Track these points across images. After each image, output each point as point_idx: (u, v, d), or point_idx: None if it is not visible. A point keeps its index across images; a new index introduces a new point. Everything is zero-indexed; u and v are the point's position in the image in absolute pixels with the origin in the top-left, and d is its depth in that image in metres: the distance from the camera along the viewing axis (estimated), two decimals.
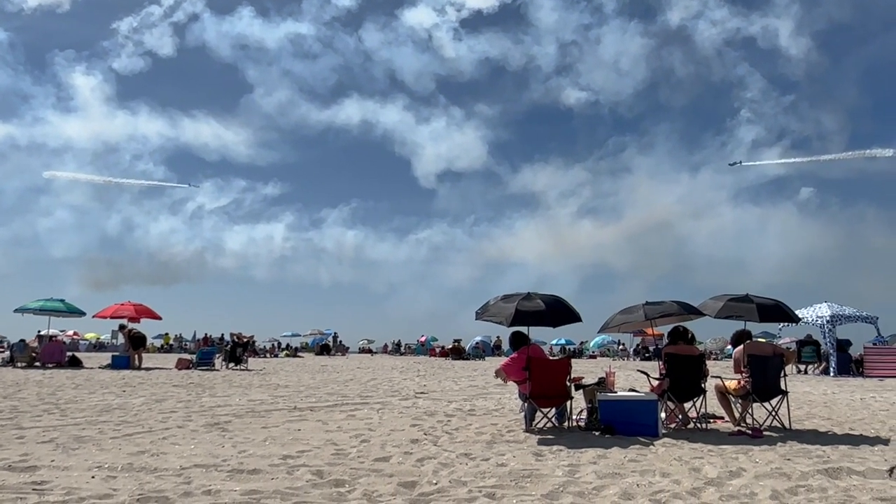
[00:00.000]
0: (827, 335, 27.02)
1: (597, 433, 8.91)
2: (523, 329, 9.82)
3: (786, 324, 21.85)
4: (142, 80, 62.15)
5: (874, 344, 27.65)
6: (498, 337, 51.06)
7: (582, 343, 53.66)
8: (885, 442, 8.60)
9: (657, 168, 53.70)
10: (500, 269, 66.23)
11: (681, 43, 55.00)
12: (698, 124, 69.74)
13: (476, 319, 10.20)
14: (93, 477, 6.04)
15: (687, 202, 58.27)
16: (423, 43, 57.18)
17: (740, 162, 52.14)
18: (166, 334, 54.36)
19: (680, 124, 62.72)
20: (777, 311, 10.34)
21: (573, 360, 10.57)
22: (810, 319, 27.34)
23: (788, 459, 7.21)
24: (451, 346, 44.07)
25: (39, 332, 32.08)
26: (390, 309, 70.11)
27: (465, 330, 49.15)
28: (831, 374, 26.23)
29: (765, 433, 9.16)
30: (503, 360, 11.13)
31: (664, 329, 11.02)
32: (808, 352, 28.66)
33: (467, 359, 40.85)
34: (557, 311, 9.90)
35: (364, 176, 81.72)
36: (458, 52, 56.83)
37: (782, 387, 9.80)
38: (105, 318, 29.21)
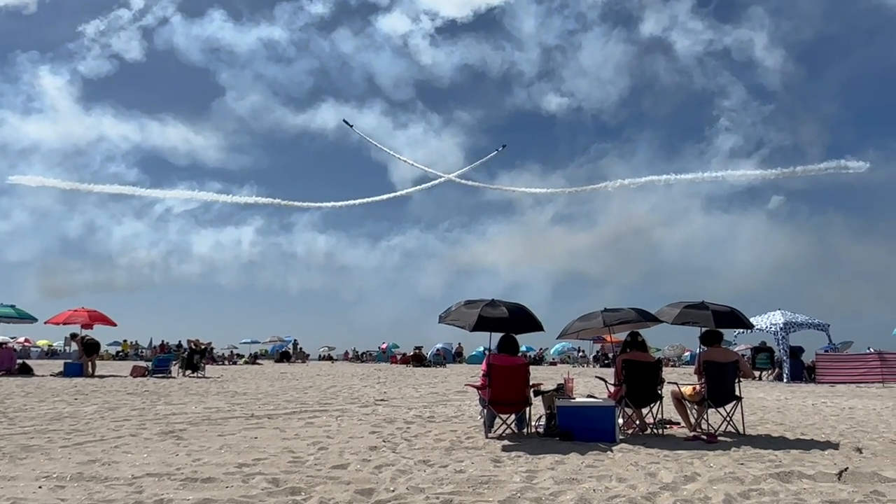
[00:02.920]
0: (780, 342, 27.64)
1: (556, 439, 8.96)
2: (489, 333, 9.81)
3: (741, 330, 22.31)
4: (109, 83, 60.85)
5: (826, 351, 28.33)
6: (459, 344, 51.14)
7: (542, 350, 53.99)
8: (835, 446, 8.80)
9: (634, 175, 54.47)
10: (471, 275, 66.33)
11: (662, 51, 56.12)
12: (679, 133, 71.05)
13: (439, 322, 10.20)
14: (40, 487, 5.87)
15: (661, 210, 59.28)
16: (400, 49, 57.25)
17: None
18: (125, 341, 53.19)
19: (662, 132, 63.94)
20: (732, 318, 10.53)
21: (533, 367, 10.61)
22: (764, 327, 27.94)
23: (742, 464, 7.34)
24: (412, 354, 43.95)
25: None
26: (357, 316, 69.54)
27: (428, 337, 49.07)
28: (784, 380, 26.82)
29: (719, 438, 9.31)
30: (464, 366, 11.12)
31: (623, 336, 11.13)
32: (763, 358, 29.28)
33: (428, 366, 40.75)
34: (520, 319, 9.93)
35: (339, 181, 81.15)
36: (436, 58, 57.07)
37: (737, 393, 9.99)
38: (58, 324, 28.48)
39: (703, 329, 10.29)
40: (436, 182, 56.97)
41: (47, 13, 58.08)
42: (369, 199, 58.52)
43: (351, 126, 55.42)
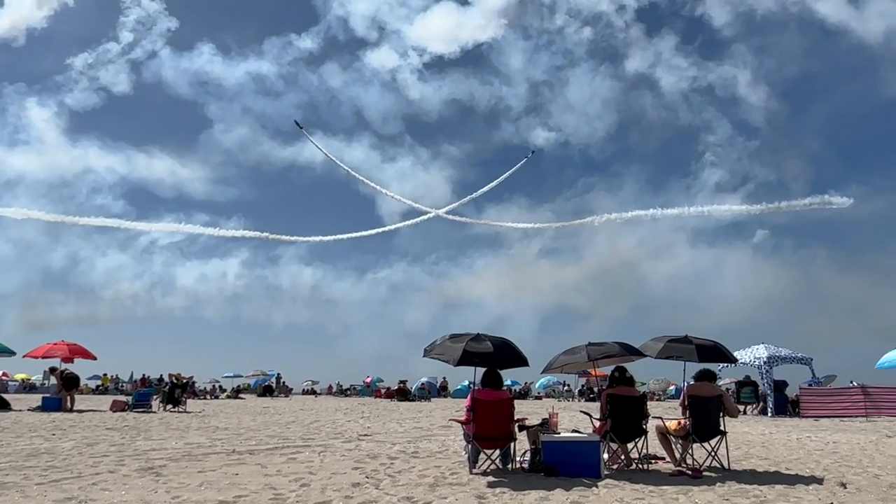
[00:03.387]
0: (764, 376, 27.70)
1: (540, 475, 8.89)
2: (474, 368, 9.78)
3: (725, 364, 22.35)
4: (96, 115, 60.80)
5: (809, 385, 28.41)
6: (444, 378, 50.79)
7: (528, 384, 53.78)
8: (820, 481, 8.80)
9: (622, 209, 55.08)
10: (458, 308, 66.14)
11: (648, 87, 57.17)
12: (665, 167, 71.95)
13: (424, 356, 10.16)
14: None
15: (648, 243, 59.73)
16: (388, 84, 57.83)
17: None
18: (105, 375, 52.41)
19: (648, 167, 64.68)
20: (715, 352, 10.58)
21: (518, 401, 10.57)
22: (748, 360, 28.02)
23: (727, 499, 7.32)
24: (396, 388, 43.61)
25: None
26: (342, 349, 69.03)
27: (413, 371, 48.72)
28: (769, 414, 26.81)
29: (704, 473, 9.29)
30: (449, 401, 11.06)
31: (607, 370, 11.13)
32: (747, 392, 29.28)
33: (413, 400, 40.42)
34: (504, 354, 9.92)
35: (326, 213, 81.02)
36: (424, 92, 57.57)
37: (722, 427, 9.99)
38: (37, 357, 28.04)
39: (699, 369, 10.36)
40: (423, 218, 57.15)
41: (36, 46, 58.22)
42: (357, 234, 58.50)
43: (301, 128, 55.46)
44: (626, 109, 58.71)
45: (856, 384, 26.44)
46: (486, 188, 56.38)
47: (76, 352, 27.36)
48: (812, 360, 29.18)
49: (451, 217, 56.83)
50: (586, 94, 56.81)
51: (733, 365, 18.51)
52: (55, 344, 27.41)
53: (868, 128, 67.56)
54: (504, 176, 56.49)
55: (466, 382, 42.81)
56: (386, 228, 57.85)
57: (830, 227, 63.58)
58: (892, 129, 67.20)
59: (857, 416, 24.20)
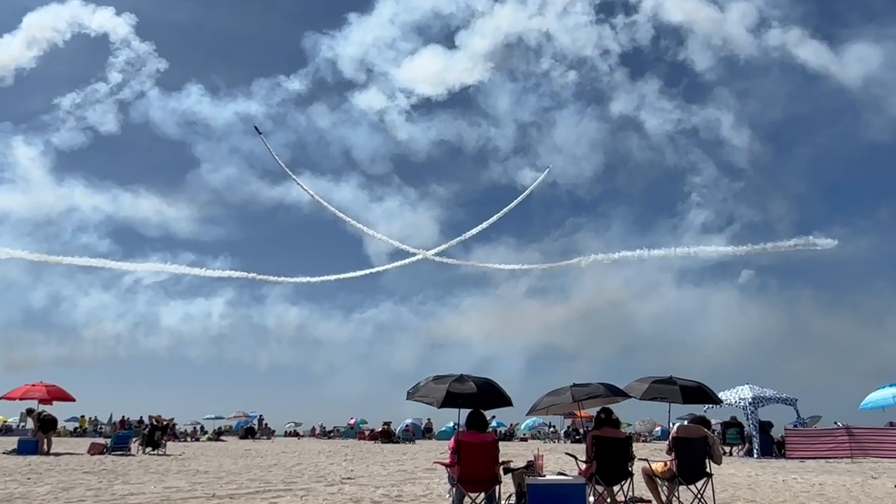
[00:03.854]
0: (749, 417, 27.67)
1: None
2: (458, 409, 9.72)
3: (710, 406, 22.34)
4: (82, 154, 60.69)
5: (794, 426, 28.42)
6: (429, 419, 50.28)
7: (513, 425, 53.37)
8: None
9: (609, 249, 55.61)
10: (444, 348, 65.71)
11: (634, 129, 58.17)
12: (652, 207, 72.87)
13: (407, 399, 10.09)
14: None
15: (634, 283, 60.05)
16: (376, 124, 58.44)
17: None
18: (82, 417, 51.47)
19: (636, 207, 65.14)
20: (699, 393, 10.60)
21: (503, 443, 10.50)
22: (733, 401, 28.03)
23: None
24: (380, 429, 43.13)
25: None
26: (327, 390, 68.10)
27: (398, 412, 48.20)
28: (755, 455, 26.72)
29: None
30: (433, 443, 10.96)
31: (593, 411, 11.10)
32: (733, 433, 29.26)
33: (397, 442, 39.96)
34: (488, 395, 9.88)
35: (314, 253, 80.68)
36: (412, 133, 58.10)
37: (708, 469, 9.94)
38: (14, 399, 27.50)
39: (694, 415, 10.39)
40: (411, 260, 57.33)
41: (24, 86, 58.13)
42: (344, 276, 58.43)
43: (260, 133, 55.48)
44: (613, 151, 59.57)
45: (840, 425, 26.46)
46: (477, 228, 56.59)
47: (54, 393, 26.91)
48: (797, 400, 29.26)
49: (438, 259, 57.07)
50: (573, 135, 57.62)
51: (718, 406, 18.52)
52: (33, 385, 26.96)
53: (851, 170, 68.82)
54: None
55: (451, 424, 42.30)
56: (373, 270, 57.85)
57: (815, 268, 64.30)
58: (874, 171, 68.43)
59: (842, 458, 24.16)
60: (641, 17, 55.40)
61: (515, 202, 56.84)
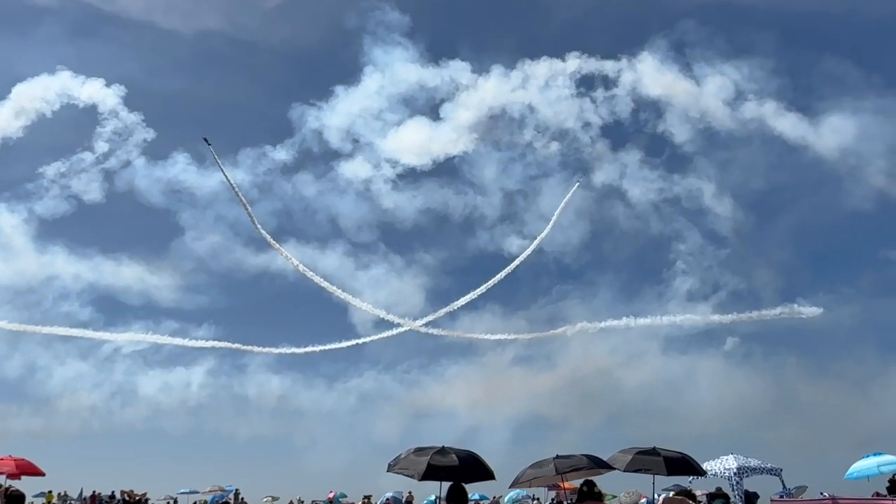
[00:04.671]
0: (735, 487, 27.37)
1: None
2: (440, 482, 9.62)
3: (695, 476, 22.14)
4: (65, 222, 60.75)
5: (780, 496, 28.12)
6: (410, 492, 49.17)
7: (496, 497, 52.26)
8: None
9: (596, 316, 56.12)
10: (428, 418, 64.79)
11: (619, 198, 59.53)
12: (638, 275, 73.75)
13: (388, 471, 10.00)
14: None
15: (621, 351, 60.21)
16: (362, 193, 59.32)
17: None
18: (49, 492, 49.79)
19: (622, 275, 65.79)
20: (684, 464, 10.59)
21: None
22: (718, 472, 27.76)
23: None
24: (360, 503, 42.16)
25: None
26: (307, 463, 66.42)
27: (379, 485, 47.12)
28: None
29: None
30: None
31: (577, 482, 11.03)
32: None
33: None
34: (470, 467, 9.82)
35: (299, 321, 79.86)
36: (398, 202, 59.05)
37: None
38: None
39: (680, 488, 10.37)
40: (397, 331, 57.42)
41: (9, 155, 58.52)
42: (329, 347, 58.15)
43: (209, 144, 55.45)
44: (599, 219, 60.71)
45: (826, 495, 26.25)
46: (464, 299, 56.80)
47: (23, 467, 26.08)
48: (782, 470, 29.02)
49: (424, 330, 57.20)
50: (559, 203, 58.82)
51: (703, 477, 18.38)
52: (1, 459, 26.21)
53: (833, 238, 70.07)
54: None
55: (433, 497, 41.68)
56: (360, 341, 57.71)
57: (800, 335, 64.56)
58: (856, 239, 69.79)
59: None
60: (621, 90, 57.71)
61: (504, 273, 57.38)
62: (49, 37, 65.70)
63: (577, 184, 58.17)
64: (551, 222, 57.47)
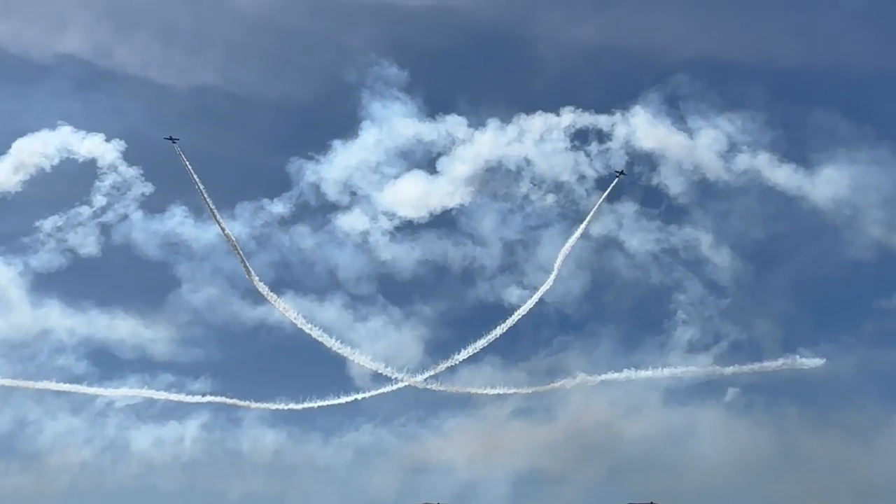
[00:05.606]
0: None
1: None
2: None
3: None
4: (61, 276, 60.61)
5: None
6: None
7: None
8: None
9: (597, 367, 56.03)
10: (426, 472, 63.48)
11: (617, 248, 59.94)
12: (639, 325, 73.24)
13: None
14: None
15: (621, 403, 59.78)
16: (360, 245, 59.55)
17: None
18: None
19: (623, 325, 65.43)
20: None
21: None
22: None
23: None
24: None
25: None
26: None
27: None
28: None
29: None
30: None
31: None
32: None
33: None
34: None
35: (295, 374, 78.52)
36: (396, 254, 59.29)
37: None
38: None
39: None
40: (395, 387, 57.12)
41: (7, 208, 58.79)
42: (327, 403, 57.70)
43: (174, 142, 55.12)
44: (599, 269, 60.88)
45: None
46: (464, 354, 56.66)
47: None
48: None
49: (423, 385, 56.99)
50: (558, 253, 59.01)
51: None
52: None
53: (833, 287, 69.75)
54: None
55: None
56: (357, 397, 57.39)
57: (801, 385, 63.86)
58: (855, 288, 69.42)
59: None
60: (615, 143, 58.99)
61: (507, 325, 57.26)
62: (53, 92, 66.76)
63: (617, 179, 58.70)
64: (555, 269, 57.61)
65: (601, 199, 58.39)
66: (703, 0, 73.13)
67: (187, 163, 55.17)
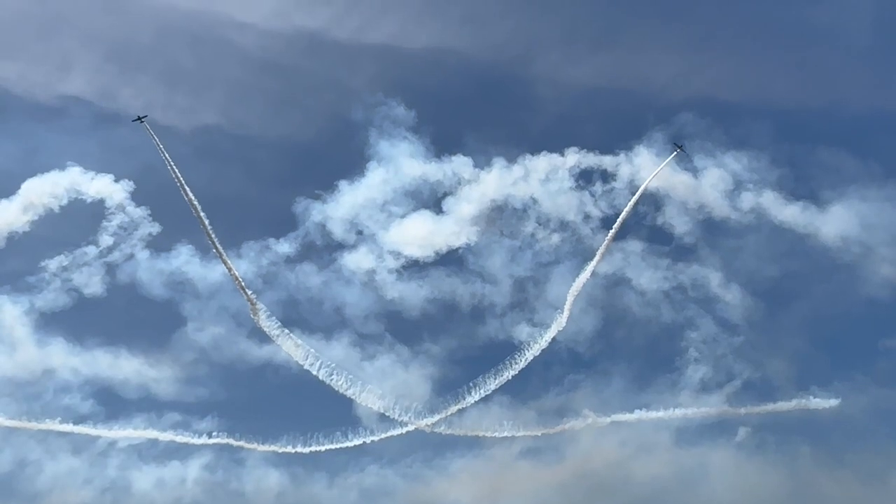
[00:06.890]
0: None
1: None
2: None
3: None
4: (65, 316, 60.70)
5: None
6: None
7: None
8: None
9: (607, 407, 55.83)
10: None
11: (627, 286, 60.06)
12: (651, 364, 72.83)
13: None
14: None
15: (631, 443, 59.17)
16: (367, 283, 59.66)
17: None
18: None
19: (635, 364, 65.11)
20: None
21: None
22: None
23: None
24: None
25: None
26: None
27: None
28: None
29: None
30: None
31: None
32: None
33: None
34: None
35: (302, 413, 77.90)
36: (403, 292, 59.30)
37: None
38: None
39: None
40: (403, 431, 56.92)
41: (14, 248, 59.02)
42: (336, 446, 57.31)
43: (142, 121, 54.49)
44: (609, 307, 60.76)
45: None
46: (473, 398, 56.39)
47: None
48: None
49: (430, 430, 56.73)
50: (567, 290, 58.98)
51: None
52: None
53: (846, 326, 69.18)
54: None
55: None
56: (366, 440, 57.09)
57: (813, 424, 62.98)
58: (872, 326, 68.82)
59: None
60: (619, 183, 59.51)
61: (517, 367, 56.96)
62: (62, 132, 67.32)
63: (676, 152, 58.79)
64: (566, 310, 57.46)
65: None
66: (699, 40, 73.50)
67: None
